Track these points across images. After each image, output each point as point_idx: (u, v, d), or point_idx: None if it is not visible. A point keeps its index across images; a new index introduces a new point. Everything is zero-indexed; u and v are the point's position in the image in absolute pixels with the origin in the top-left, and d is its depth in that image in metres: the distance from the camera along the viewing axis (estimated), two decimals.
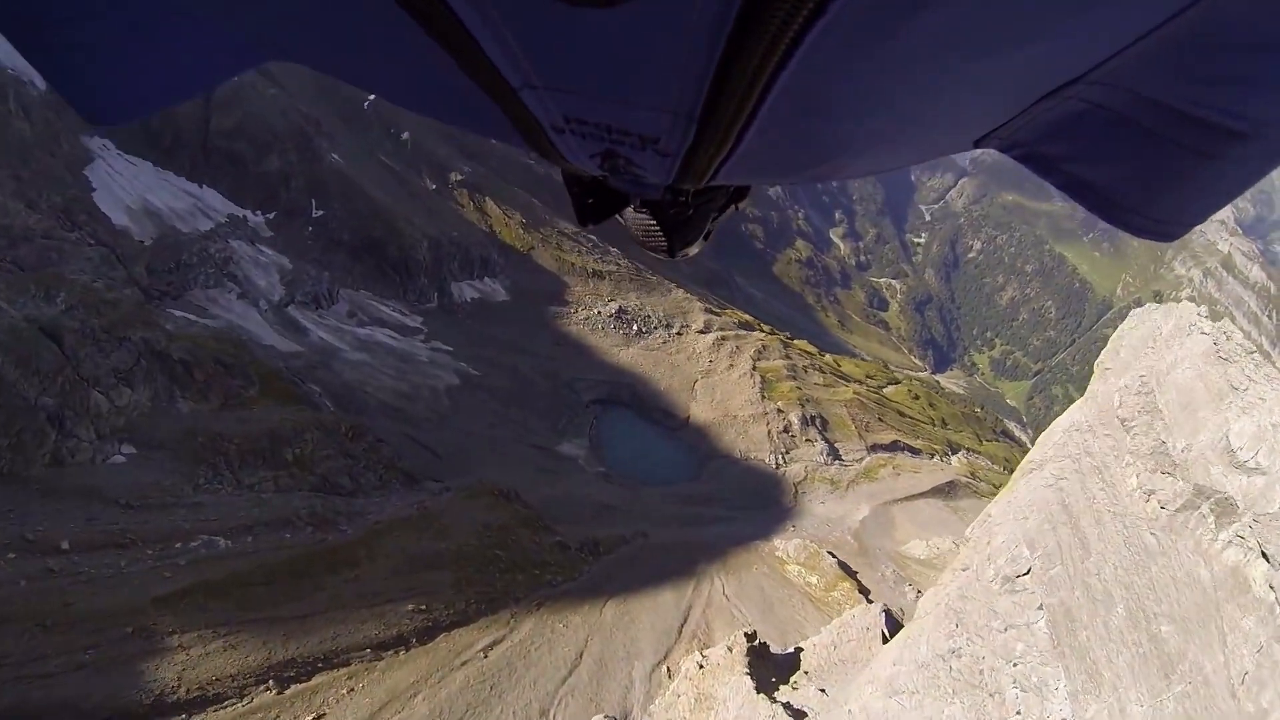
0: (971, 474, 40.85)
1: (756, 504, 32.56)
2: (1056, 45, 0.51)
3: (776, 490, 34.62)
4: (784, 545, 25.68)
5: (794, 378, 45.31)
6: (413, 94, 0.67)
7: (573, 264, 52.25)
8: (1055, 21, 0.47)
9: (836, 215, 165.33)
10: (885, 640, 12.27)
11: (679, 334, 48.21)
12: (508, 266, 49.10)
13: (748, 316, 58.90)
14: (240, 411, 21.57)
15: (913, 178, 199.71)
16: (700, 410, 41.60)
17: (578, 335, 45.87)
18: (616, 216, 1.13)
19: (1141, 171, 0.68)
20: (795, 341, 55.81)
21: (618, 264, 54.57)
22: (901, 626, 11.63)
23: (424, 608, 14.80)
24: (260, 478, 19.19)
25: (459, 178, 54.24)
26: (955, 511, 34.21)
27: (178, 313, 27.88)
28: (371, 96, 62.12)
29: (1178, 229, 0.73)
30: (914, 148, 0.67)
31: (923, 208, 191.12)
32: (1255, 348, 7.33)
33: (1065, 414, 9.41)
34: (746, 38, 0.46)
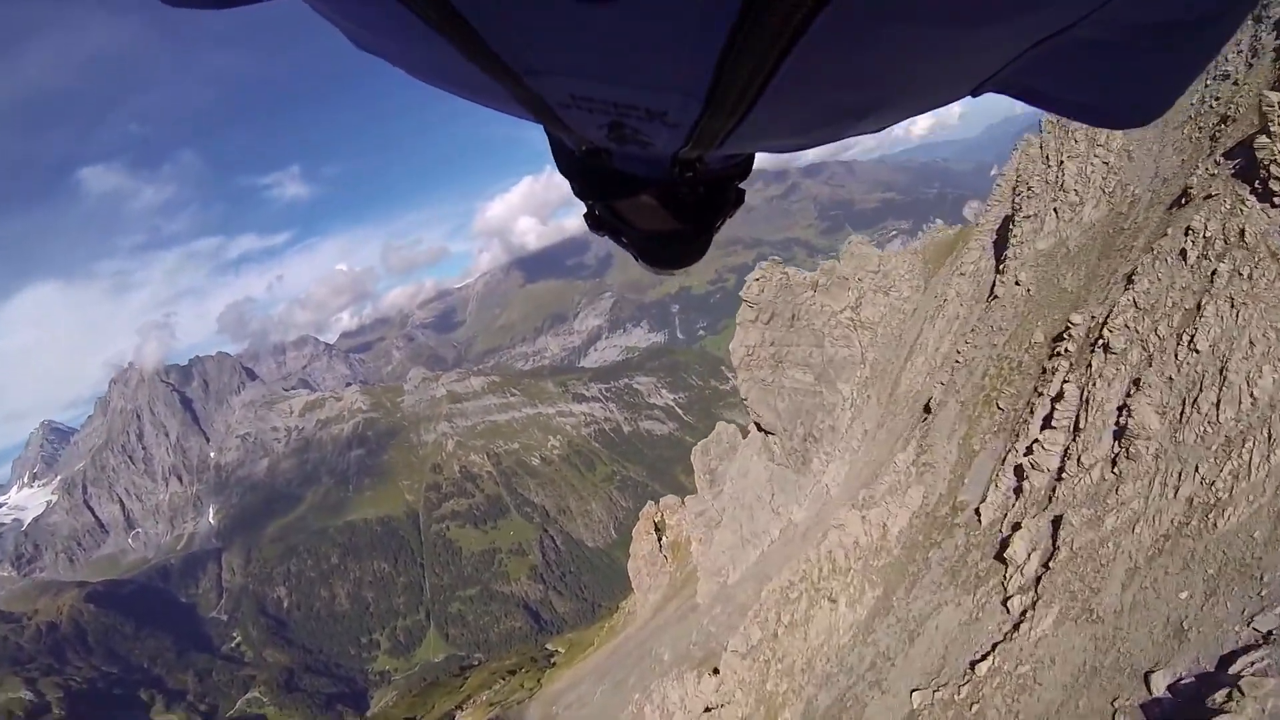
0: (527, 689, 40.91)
1: None
2: (1059, 5, 0.53)
3: None
4: None
5: None
6: (421, 69, 0.69)
7: None
8: None
9: None
10: None
11: None
12: None
13: None
14: None
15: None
16: None
17: None
18: (620, 242, 1.14)
19: (1133, 80, 0.72)
20: None
21: None
22: None
23: None
24: None
25: None
26: (593, 697, 34.24)
27: None
28: None
29: (1163, 110, 0.79)
30: (915, 104, 0.70)
31: (218, 646, 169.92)
32: None
33: None
34: (753, 25, 0.47)
